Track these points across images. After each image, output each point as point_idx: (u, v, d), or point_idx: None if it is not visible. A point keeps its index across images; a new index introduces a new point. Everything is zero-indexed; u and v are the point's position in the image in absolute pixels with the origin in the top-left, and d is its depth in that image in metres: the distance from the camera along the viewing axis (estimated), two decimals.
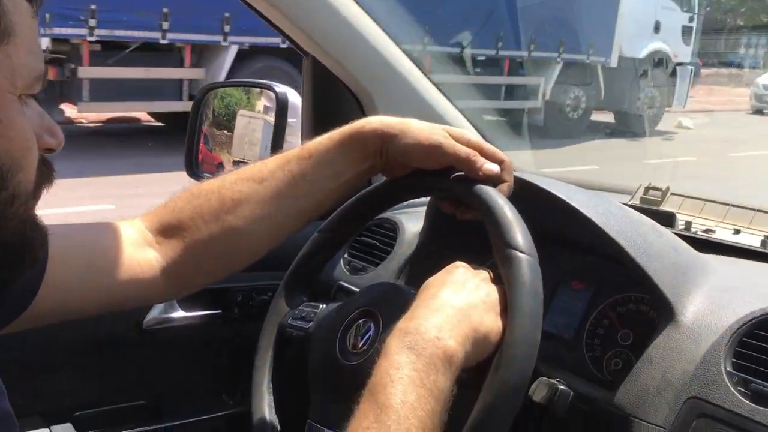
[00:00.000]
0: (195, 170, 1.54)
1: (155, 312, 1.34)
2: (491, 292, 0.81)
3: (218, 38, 8.48)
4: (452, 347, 0.73)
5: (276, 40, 8.60)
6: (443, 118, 1.44)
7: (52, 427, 1.26)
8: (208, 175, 1.51)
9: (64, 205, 4.94)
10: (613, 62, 11.26)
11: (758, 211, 1.25)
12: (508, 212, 0.83)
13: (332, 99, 1.45)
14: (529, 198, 0.92)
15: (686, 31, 12.07)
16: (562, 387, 0.87)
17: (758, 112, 14.26)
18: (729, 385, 0.82)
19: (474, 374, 0.77)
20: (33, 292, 0.82)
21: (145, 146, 8.70)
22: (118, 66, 8.12)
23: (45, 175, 0.68)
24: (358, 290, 1.08)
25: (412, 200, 1.21)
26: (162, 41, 8.22)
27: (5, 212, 0.63)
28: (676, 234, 1.09)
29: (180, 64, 8.67)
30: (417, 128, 0.90)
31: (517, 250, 0.80)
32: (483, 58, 10.19)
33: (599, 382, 0.96)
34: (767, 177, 7.59)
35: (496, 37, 9.94)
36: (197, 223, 0.91)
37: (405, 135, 0.89)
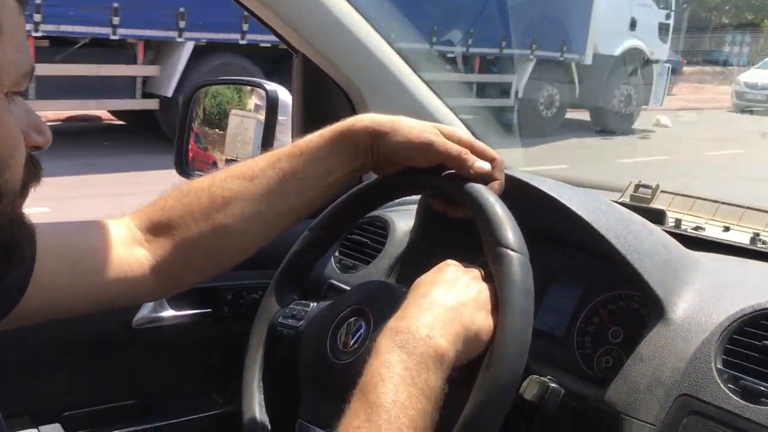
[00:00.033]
0: (185, 168, 1.54)
1: (145, 311, 1.33)
2: (482, 290, 0.81)
3: (173, 34, 8.09)
4: (443, 346, 0.73)
5: (235, 36, 8.34)
6: (434, 116, 1.43)
7: (40, 427, 1.25)
8: (198, 172, 1.50)
9: None
10: (588, 59, 11.09)
11: (748, 208, 1.26)
12: (499, 210, 0.83)
13: (323, 97, 1.44)
14: (520, 196, 0.92)
15: (663, 29, 11.95)
16: (553, 385, 0.88)
17: (739, 109, 14.11)
18: (719, 382, 0.82)
19: (465, 373, 0.77)
20: (21, 290, 0.82)
21: (101, 145, 8.44)
22: (67, 63, 7.68)
23: (32, 174, 0.67)
24: (348, 288, 1.08)
25: (403, 198, 1.20)
26: (113, 37, 7.81)
27: None
28: (666, 231, 1.10)
29: (133, 60, 8.27)
30: (408, 126, 0.90)
31: (508, 248, 0.80)
32: (453, 55, 10.01)
33: (590, 380, 0.96)
34: (741, 175, 7.57)
35: (466, 35, 9.76)
36: (187, 221, 0.91)
37: (396, 133, 0.89)
